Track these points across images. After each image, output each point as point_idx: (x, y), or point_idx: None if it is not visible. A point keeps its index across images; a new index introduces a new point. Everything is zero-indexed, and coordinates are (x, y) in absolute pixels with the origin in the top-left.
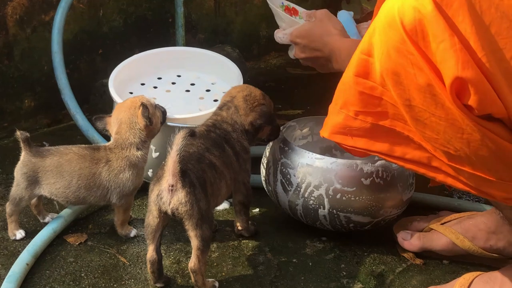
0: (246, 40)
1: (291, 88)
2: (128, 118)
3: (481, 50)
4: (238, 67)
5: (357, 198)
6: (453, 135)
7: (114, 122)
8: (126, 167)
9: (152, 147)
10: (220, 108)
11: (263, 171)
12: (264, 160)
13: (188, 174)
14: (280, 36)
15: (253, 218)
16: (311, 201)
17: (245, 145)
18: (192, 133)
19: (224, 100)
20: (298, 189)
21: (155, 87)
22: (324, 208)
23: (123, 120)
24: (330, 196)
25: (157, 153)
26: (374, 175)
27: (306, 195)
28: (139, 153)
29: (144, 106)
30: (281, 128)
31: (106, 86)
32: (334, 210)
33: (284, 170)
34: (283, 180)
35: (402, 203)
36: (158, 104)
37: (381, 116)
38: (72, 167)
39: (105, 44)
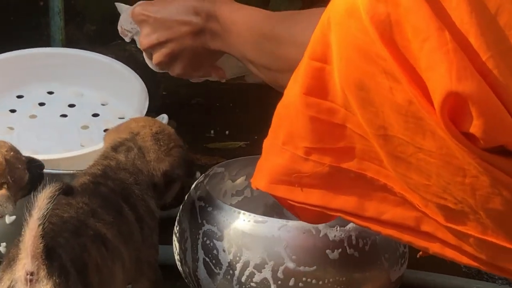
0: None
1: (230, 106)
2: None
3: (486, 50)
4: (146, 76)
5: (320, 282)
6: (451, 179)
7: None
8: None
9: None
10: (114, 148)
11: (176, 245)
12: (176, 228)
13: (57, 254)
14: (124, 12)
15: None
16: None
17: (152, 206)
18: (66, 190)
19: (119, 138)
20: (231, 271)
21: (12, 111)
22: None
23: None
24: (280, 282)
25: (13, 217)
26: (345, 244)
27: (243, 280)
28: None
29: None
30: (203, 177)
31: None
32: None
33: (208, 243)
34: (207, 259)
35: (389, 285)
36: (31, 158)
37: (344, 154)
38: None
39: None
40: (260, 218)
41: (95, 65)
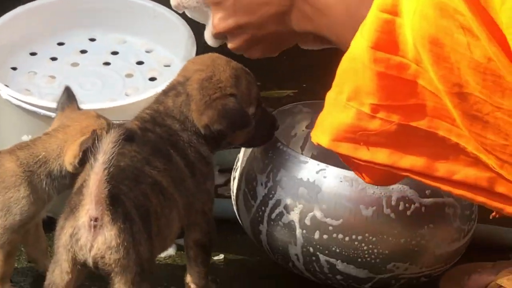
0: None
1: (278, 54)
2: (74, 133)
3: None
4: (191, 23)
5: (347, 238)
6: None
7: (57, 118)
8: (23, 183)
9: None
10: (165, 92)
11: (233, 178)
12: (237, 162)
13: (121, 201)
14: None
15: (214, 270)
16: (278, 228)
17: (203, 152)
18: (129, 135)
19: (175, 80)
20: (263, 207)
21: (53, 59)
22: (295, 244)
23: (68, 129)
24: (305, 229)
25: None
26: (383, 203)
27: (273, 217)
28: (47, 180)
29: (95, 134)
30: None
31: None
32: (311, 249)
33: (251, 173)
34: (246, 190)
35: (432, 260)
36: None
37: (414, 112)
38: None
39: None
40: (303, 158)
41: (138, 10)
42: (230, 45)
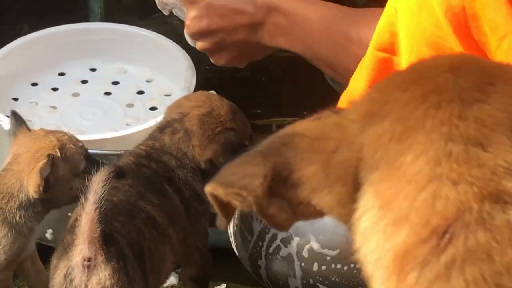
0: None
1: (278, 81)
2: (28, 161)
3: None
4: (189, 50)
5: (345, 267)
6: None
7: (12, 145)
8: None
9: None
10: (161, 129)
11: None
12: None
13: (114, 239)
14: None
15: None
16: (277, 262)
17: (198, 190)
18: (120, 173)
19: (169, 118)
20: (260, 242)
21: (54, 89)
22: (295, 277)
23: (21, 158)
24: (304, 262)
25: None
26: None
27: (271, 252)
28: (20, 213)
29: (51, 159)
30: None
31: None
32: (311, 280)
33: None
34: (243, 226)
35: None
36: (88, 155)
37: None
38: None
39: None
40: None
41: (139, 40)
42: (199, 46)
